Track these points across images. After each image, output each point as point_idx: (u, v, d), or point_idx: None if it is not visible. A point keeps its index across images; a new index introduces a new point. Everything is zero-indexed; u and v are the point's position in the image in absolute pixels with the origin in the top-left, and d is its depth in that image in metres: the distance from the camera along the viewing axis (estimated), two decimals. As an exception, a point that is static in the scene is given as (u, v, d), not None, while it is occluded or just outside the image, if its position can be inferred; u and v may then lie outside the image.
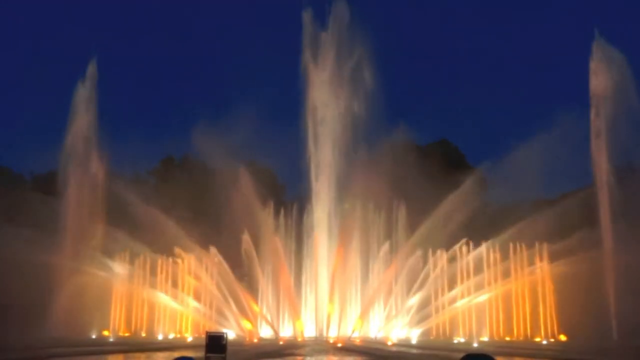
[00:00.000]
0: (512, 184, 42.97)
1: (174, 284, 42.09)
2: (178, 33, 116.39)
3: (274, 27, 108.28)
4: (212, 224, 42.92)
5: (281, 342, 36.08)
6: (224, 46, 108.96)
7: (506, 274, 41.94)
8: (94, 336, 39.87)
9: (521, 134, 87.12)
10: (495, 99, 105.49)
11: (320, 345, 34.05)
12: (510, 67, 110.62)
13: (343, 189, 43.29)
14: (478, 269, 42.12)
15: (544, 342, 41.06)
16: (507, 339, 41.79)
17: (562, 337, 42.04)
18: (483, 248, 41.85)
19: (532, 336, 42.49)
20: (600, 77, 41.54)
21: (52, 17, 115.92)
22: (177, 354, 20.36)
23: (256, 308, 41.65)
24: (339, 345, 34.00)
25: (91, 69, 44.57)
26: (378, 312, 43.45)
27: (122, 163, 44.47)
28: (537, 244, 41.52)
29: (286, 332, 42.70)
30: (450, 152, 56.28)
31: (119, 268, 41.36)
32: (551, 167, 43.56)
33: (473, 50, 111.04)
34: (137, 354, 25.49)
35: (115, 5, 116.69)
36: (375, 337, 41.59)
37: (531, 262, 42.09)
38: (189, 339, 38.90)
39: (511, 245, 41.45)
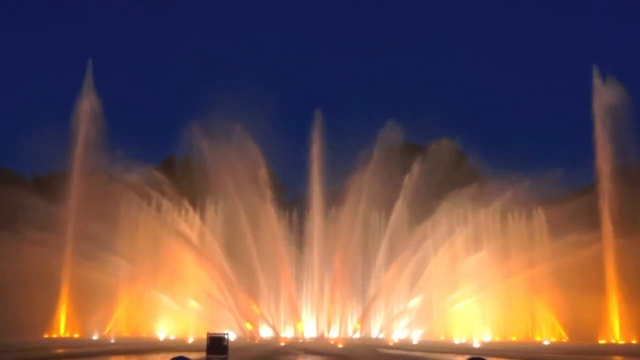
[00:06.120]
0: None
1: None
2: (179, 31, 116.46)
3: (275, 27, 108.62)
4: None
5: (282, 343, 36.08)
6: (226, 45, 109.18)
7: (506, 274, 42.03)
8: (95, 337, 39.89)
9: (524, 134, 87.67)
10: (498, 99, 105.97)
11: (321, 346, 34.01)
12: (512, 67, 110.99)
13: (342, 190, 43.30)
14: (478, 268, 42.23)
15: (545, 342, 41.14)
16: (509, 338, 41.88)
17: (564, 337, 42.11)
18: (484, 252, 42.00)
19: (533, 336, 42.60)
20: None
21: (50, 18, 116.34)
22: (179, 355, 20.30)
23: (257, 309, 41.69)
24: (340, 345, 34.01)
25: (88, 72, 44.72)
26: (379, 313, 43.46)
27: (123, 164, 44.41)
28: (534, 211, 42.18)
29: (287, 333, 42.73)
30: (451, 152, 56.13)
31: (122, 268, 41.35)
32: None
33: (474, 50, 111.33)
34: (146, 356, 25.47)
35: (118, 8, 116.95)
36: (377, 338, 41.62)
37: (531, 261, 42.26)
38: (190, 339, 38.93)
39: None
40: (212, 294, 41.43)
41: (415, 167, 42.56)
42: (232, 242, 42.43)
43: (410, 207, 42.76)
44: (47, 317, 40.82)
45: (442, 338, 41.76)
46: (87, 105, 43.88)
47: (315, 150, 43.44)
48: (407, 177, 42.44)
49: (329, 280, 41.96)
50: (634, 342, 40.06)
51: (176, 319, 42.43)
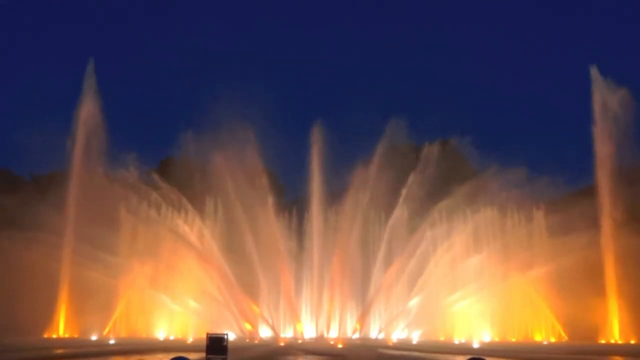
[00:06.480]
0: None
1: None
2: (179, 31, 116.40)
3: (275, 27, 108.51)
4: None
5: (282, 343, 36.08)
6: (227, 45, 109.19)
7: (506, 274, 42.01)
8: (94, 337, 39.87)
9: (524, 134, 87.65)
10: (498, 99, 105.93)
11: (320, 346, 34.00)
12: (512, 67, 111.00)
13: (342, 190, 43.32)
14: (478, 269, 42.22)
15: (545, 342, 41.14)
16: (508, 339, 41.87)
17: (563, 337, 42.11)
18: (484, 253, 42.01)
19: (533, 336, 42.59)
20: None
21: (50, 18, 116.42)
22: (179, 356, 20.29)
23: (256, 309, 41.69)
24: (339, 346, 33.99)
25: (89, 70, 44.82)
26: (379, 313, 43.46)
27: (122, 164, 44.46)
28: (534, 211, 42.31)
29: (287, 333, 42.73)
30: (451, 152, 56.14)
31: (122, 268, 41.33)
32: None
33: (474, 50, 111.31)
34: (146, 356, 25.46)
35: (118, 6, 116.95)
36: (376, 338, 41.60)
37: (531, 261, 42.25)
38: (190, 340, 38.95)
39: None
40: (211, 294, 41.43)
41: (434, 148, 42.81)
42: (232, 242, 42.45)
43: (410, 207, 42.78)
44: (47, 317, 40.80)
45: (441, 338, 41.73)
46: (88, 104, 43.87)
47: (315, 151, 43.47)
48: (425, 149, 42.56)
49: (328, 281, 41.94)
50: (633, 342, 40.07)
51: (176, 319, 42.42)
